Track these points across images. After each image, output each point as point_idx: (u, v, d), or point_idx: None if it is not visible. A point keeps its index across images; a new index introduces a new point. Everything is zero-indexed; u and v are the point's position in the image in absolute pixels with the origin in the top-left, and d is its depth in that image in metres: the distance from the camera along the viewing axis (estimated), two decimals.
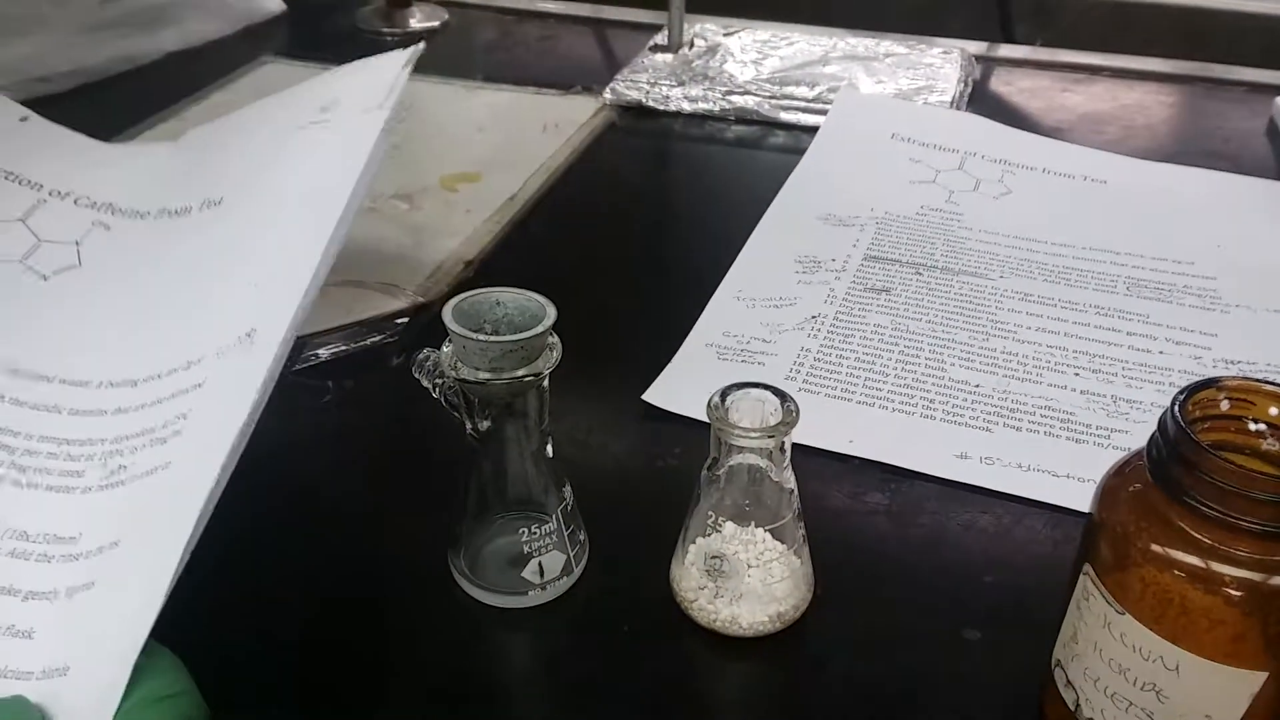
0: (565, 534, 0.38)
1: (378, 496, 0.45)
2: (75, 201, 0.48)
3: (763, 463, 0.36)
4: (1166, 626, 0.28)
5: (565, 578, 0.39)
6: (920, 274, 0.59)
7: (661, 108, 0.78)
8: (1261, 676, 0.28)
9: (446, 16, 0.96)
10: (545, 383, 0.36)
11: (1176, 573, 0.28)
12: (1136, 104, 0.80)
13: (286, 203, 0.43)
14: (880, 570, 0.41)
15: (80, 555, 0.35)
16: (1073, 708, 0.32)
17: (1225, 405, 0.30)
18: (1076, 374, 0.51)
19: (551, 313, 0.35)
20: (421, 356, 0.38)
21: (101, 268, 0.46)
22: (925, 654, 0.38)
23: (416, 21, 0.95)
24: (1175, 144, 0.74)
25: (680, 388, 0.50)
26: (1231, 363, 0.51)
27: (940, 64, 0.82)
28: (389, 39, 0.92)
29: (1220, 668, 0.28)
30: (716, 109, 0.77)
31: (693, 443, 0.45)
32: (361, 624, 0.39)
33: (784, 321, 0.55)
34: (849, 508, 0.44)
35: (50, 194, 0.48)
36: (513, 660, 0.38)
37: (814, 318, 0.55)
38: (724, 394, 0.35)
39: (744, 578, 0.37)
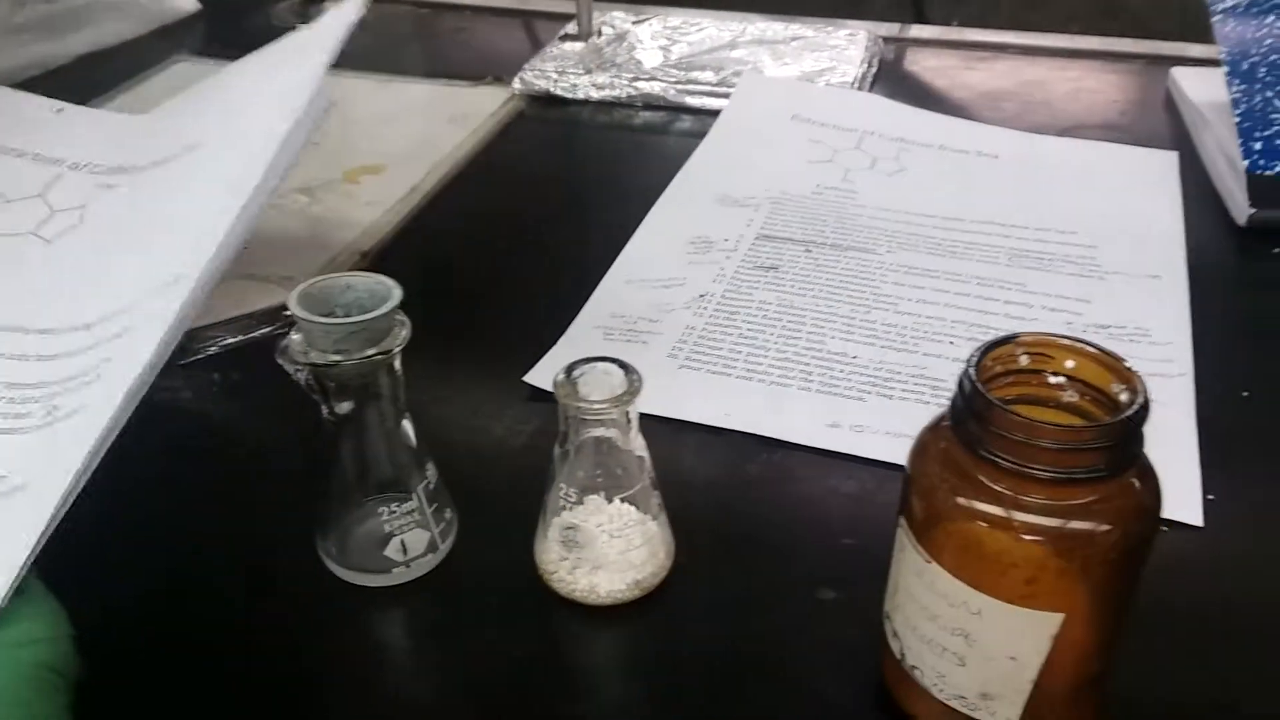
0: (429, 512, 0.39)
1: (259, 483, 0.46)
2: (89, 170, 0.53)
3: (611, 434, 0.37)
4: (969, 573, 0.29)
5: (430, 555, 0.40)
6: (809, 251, 0.60)
7: (569, 96, 0.79)
8: (1058, 618, 0.29)
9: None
10: (397, 363, 0.37)
11: (976, 522, 0.29)
12: (1037, 80, 0.81)
13: (235, 144, 0.47)
14: (743, 537, 0.42)
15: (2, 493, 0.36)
16: (899, 657, 0.33)
17: (1025, 360, 0.31)
18: (951, 343, 0.52)
19: (397, 294, 0.36)
20: (285, 343, 0.39)
21: (96, 224, 0.50)
22: (781, 616, 0.39)
23: None
24: (1072, 118, 0.76)
25: (557, 367, 0.51)
26: (1102, 327, 0.53)
27: (845, 46, 0.83)
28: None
29: (1019, 610, 0.29)
30: (623, 96, 0.78)
31: None
32: (234, 605, 0.40)
33: (672, 301, 0.56)
34: (718, 478, 0.45)
35: (68, 167, 0.53)
36: (379, 638, 0.39)
37: (701, 296, 0.56)
38: (569, 370, 0.36)
39: (599, 547, 0.38)
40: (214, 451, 0.48)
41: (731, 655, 0.38)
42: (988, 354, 0.30)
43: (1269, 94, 0.64)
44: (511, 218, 0.66)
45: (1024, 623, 0.29)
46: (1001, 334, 0.31)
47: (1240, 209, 0.60)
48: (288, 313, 0.53)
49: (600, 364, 0.36)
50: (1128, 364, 0.29)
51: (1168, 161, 0.68)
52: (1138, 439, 0.29)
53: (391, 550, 0.39)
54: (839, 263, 0.59)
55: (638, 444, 0.38)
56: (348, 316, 0.36)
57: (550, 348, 0.52)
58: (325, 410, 0.38)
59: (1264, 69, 0.66)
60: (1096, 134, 0.72)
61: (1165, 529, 0.41)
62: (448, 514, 0.41)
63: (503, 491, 0.44)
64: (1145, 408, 0.28)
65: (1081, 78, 0.82)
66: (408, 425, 0.39)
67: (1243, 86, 0.65)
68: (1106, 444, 0.28)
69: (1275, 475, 0.44)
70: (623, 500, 0.38)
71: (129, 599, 0.40)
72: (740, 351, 0.52)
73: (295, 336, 0.36)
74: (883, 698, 0.35)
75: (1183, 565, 0.40)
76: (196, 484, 0.46)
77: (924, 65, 0.85)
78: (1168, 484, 0.44)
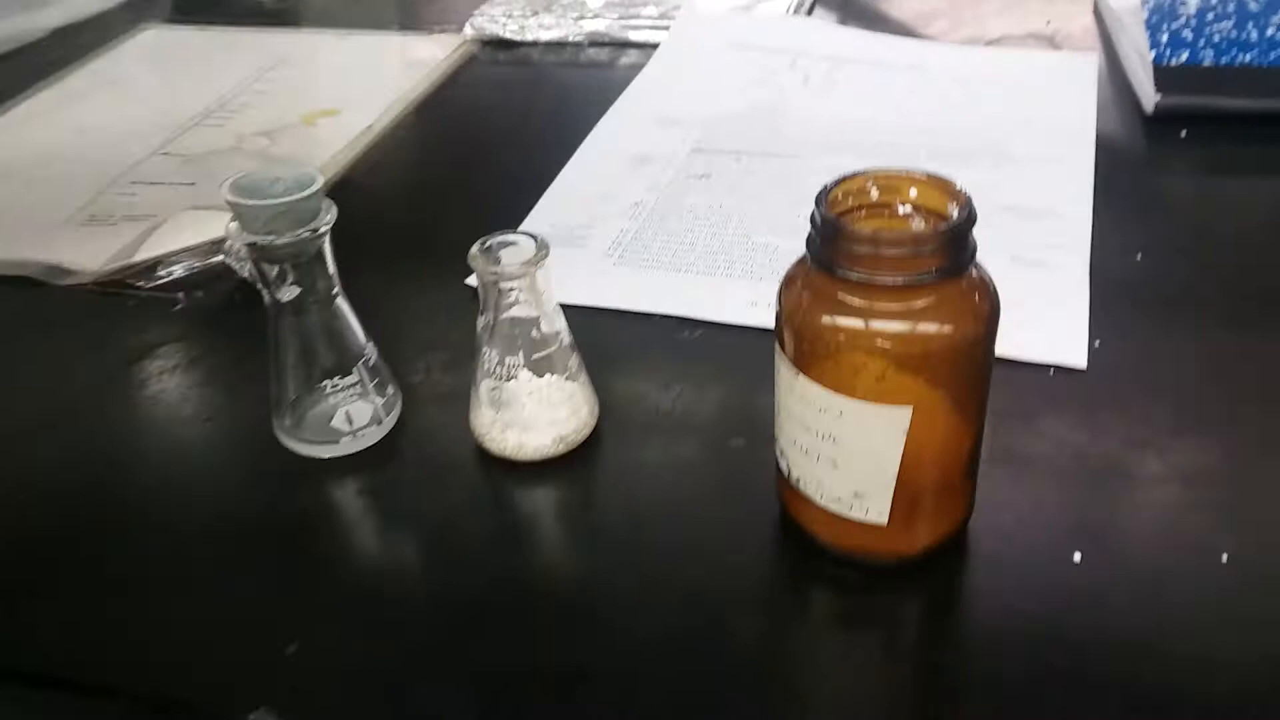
0: (370, 386, 0.43)
1: (225, 378, 0.49)
2: None
3: (526, 300, 0.40)
4: (830, 379, 0.33)
5: (375, 426, 0.43)
6: (740, 160, 0.63)
7: (518, 39, 0.82)
8: (907, 410, 0.32)
9: None
10: (328, 247, 0.40)
11: (834, 332, 0.33)
12: None
13: None
14: (665, 401, 0.46)
15: None
16: (786, 474, 0.37)
17: (875, 193, 0.34)
18: None
19: (320, 180, 0.39)
20: (229, 244, 0.43)
21: None
22: (696, 466, 0.42)
23: None
24: (1000, 31, 0.79)
25: None
26: (1009, 207, 0.56)
27: None
28: (266, 1, 0.96)
29: (874, 406, 0.33)
30: (570, 35, 0.81)
31: None
32: (203, 482, 0.44)
33: (608, 210, 0.59)
34: (647, 355, 0.49)
35: None
36: (331, 502, 0.43)
37: (636, 204, 0.60)
38: (483, 244, 0.40)
39: (522, 406, 0.41)
40: (179, 355, 0.52)
41: (650, 499, 0.41)
42: (836, 187, 0.33)
43: None
44: (462, 149, 0.70)
45: (879, 418, 0.33)
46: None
47: (1149, 98, 0.63)
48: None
49: (510, 236, 0.40)
50: (957, 185, 0.33)
51: (1086, 62, 0.71)
52: (966, 245, 0.32)
53: (338, 421, 0.43)
54: (767, 168, 0.62)
55: (552, 309, 0.41)
56: None
57: None
58: (268, 296, 0.41)
59: None
60: (1023, 44, 0.75)
61: (1051, 372, 0.45)
62: (390, 390, 0.44)
63: (446, 375, 0.48)
64: (970, 217, 0.32)
65: None
66: (345, 307, 0.42)
67: None
68: (938, 248, 0.31)
69: (1157, 324, 0.48)
70: (541, 361, 0.41)
71: (117, 470, 0.44)
72: (671, 248, 0.56)
73: (232, 224, 0.40)
74: (783, 517, 0.39)
75: (1064, 403, 0.43)
76: (168, 380, 0.49)
77: None
78: (1058, 335, 0.48)
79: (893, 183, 0.34)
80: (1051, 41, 0.75)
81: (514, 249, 0.40)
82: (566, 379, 0.42)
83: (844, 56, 0.74)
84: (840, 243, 0.32)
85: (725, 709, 0.33)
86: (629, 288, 0.52)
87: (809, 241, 0.33)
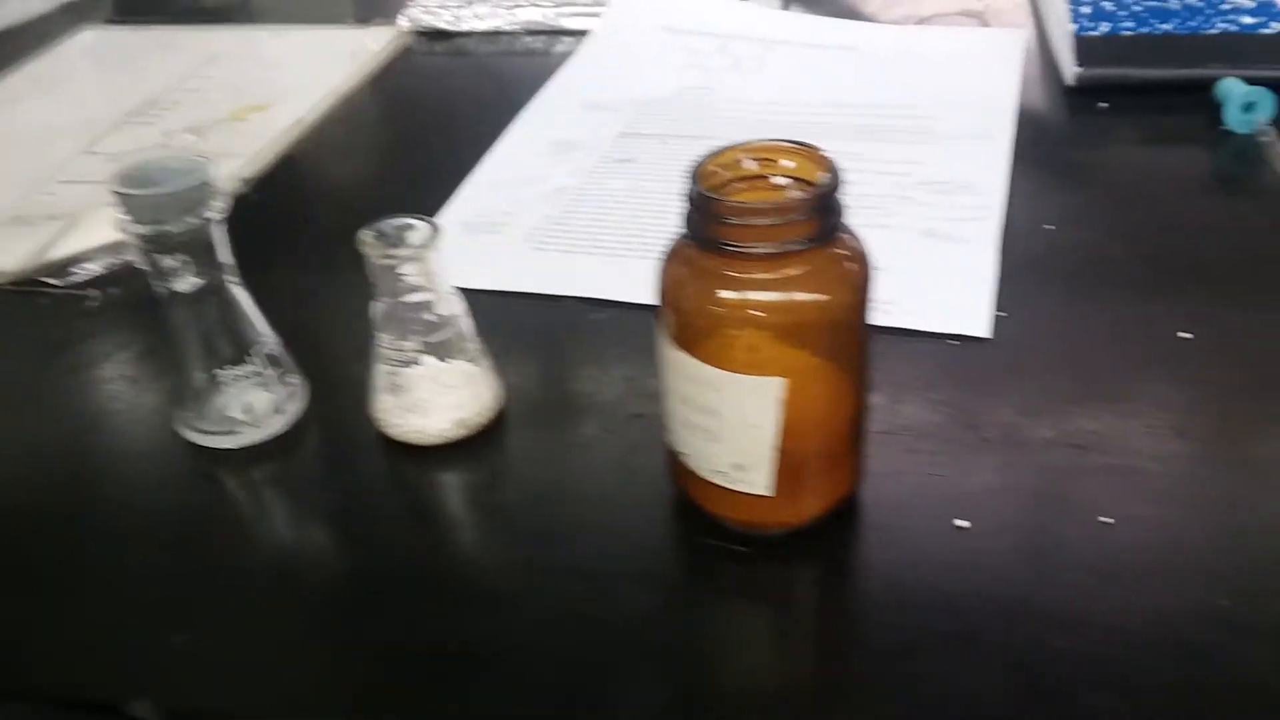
0: (270, 375, 0.43)
1: (135, 373, 0.49)
2: None
3: (420, 283, 0.40)
4: (706, 352, 0.33)
5: (277, 415, 0.43)
6: (665, 144, 0.63)
7: (453, 29, 0.82)
8: (781, 382, 0.33)
9: None
10: (220, 234, 0.40)
11: (707, 304, 0.33)
12: None
13: None
14: (572, 380, 0.46)
15: None
16: (674, 450, 0.37)
17: (752, 165, 0.34)
18: None
19: (210, 168, 0.39)
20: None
21: None
22: (597, 445, 0.42)
23: None
24: (933, 8, 0.79)
25: None
26: (927, 183, 0.56)
27: None
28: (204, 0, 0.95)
29: (747, 378, 0.33)
30: (505, 24, 0.81)
31: None
32: (107, 477, 0.44)
33: (530, 195, 0.59)
34: (554, 337, 0.49)
35: None
36: (233, 491, 0.43)
37: (559, 190, 0.60)
38: (374, 228, 0.40)
39: (421, 390, 0.41)
40: (89, 352, 0.51)
41: (551, 479, 0.41)
42: (706, 162, 0.33)
43: None
44: (391, 140, 0.70)
45: (753, 390, 0.33)
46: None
47: (1070, 70, 0.64)
48: None
49: (403, 220, 0.40)
50: (824, 152, 0.33)
51: (1013, 38, 0.71)
52: (835, 211, 0.32)
53: (236, 411, 0.42)
54: (692, 151, 0.61)
55: (447, 292, 0.41)
56: None
57: None
58: (162, 287, 0.41)
59: None
60: (954, 21, 0.75)
61: (957, 342, 0.45)
62: (293, 379, 0.44)
63: (358, 364, 0.48)
64: (836, 183, 0.32)
65: None
66: (243, 297, 0.42)
67: None
68: (805, 215, 0.31)
69: (1064, 294, 0.48)
70: (437, 345, 0.41)
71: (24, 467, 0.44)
72: (589, 232, 0.56)
73: (120, 214, 0.39)
74: (677, 493, 0.39)
75: (965, 373, 0.43)
76: (78, 377, 0.49)
77: None
78: (963, 306, 0.48)
79: (764, 154, 0.34)
80: (981, 18, 0.75)
81: (407, 232, 0.40)
82: (465, 361, 0.42)
83: (776, 38, 0.74)
84: (709, 215, 0.32)
85: (616, 683, 0.33)
86: (544, 272, 0.52)
87: (683, 214, 0.33)
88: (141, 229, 0.39)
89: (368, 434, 0.43)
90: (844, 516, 0.37)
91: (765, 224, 0.31)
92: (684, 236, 0.33)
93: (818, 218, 0.32)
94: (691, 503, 0.38)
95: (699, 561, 0.38)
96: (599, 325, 0.49)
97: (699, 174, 0.33)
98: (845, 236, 0.33)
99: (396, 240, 0.40)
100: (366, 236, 0.40)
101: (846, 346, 0.34)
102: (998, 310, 0.46)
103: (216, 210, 0.39)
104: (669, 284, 0.34)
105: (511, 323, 0.50)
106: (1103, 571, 0.35)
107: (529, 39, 0.81)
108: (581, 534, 0.39)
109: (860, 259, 0.33)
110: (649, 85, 0.70)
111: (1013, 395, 0.42)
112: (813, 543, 0.37)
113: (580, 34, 0.79)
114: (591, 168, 0.61)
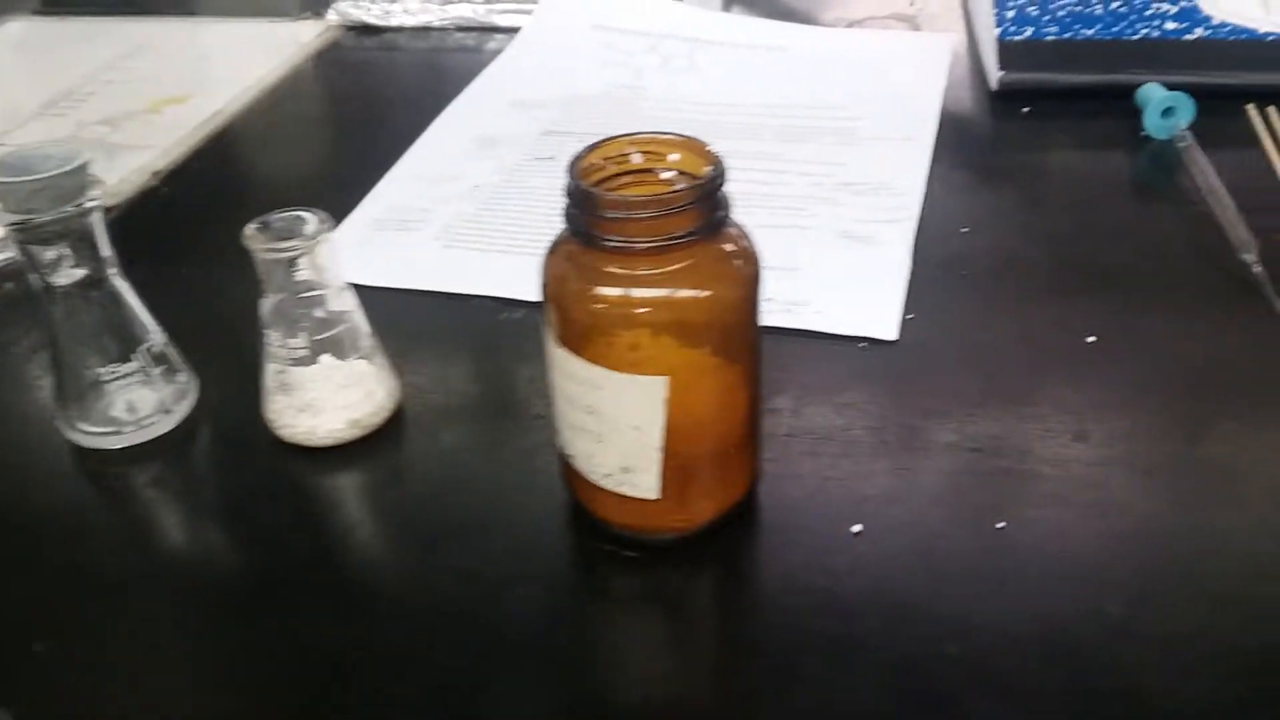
0: (155, 373, 0.41)
1: (21, 372, 0.47)
2: None
3: (308, 278, 0.39)
4: (588, 350, 0.32)
5: (161, 415, 0.42)
6: (588, 142, 0.62)
7: (383, 24, 0.80)
8: (663, 381, 0.32)
9: None
10: (99, 226, 0.39)
11: (588, 301, 0.32)
12: None
13: None
14: (475, 382, 0.45)
15: None
16: (561, 449, 0.36)
17: (638, 158, 0.33)
18: None
19: (85, 155, 0.38)
20: None
21: None
22: (495, 446, 0.41)
23: None
24: (865, 12, 0.78)
25: None
26: (848, 184, 0.56)
27: None
28: None
29: (629, 377, 0.32)
30: (435, 20, 0.80)
31: None
32: None
33: (448, 192, 0.58)
34: (460, 336, 0.48)
35: None
36: (115, 492, 0.41)
37: (477, 187, 0.58)
38: (261, 222, 0.38)
39: (311, 389, 0.40)
40: None
41: (445, 479, 0.40)
42: (587, 155, 0.33)
43: None
44: (311, 134, 0.68)
45: (635, 390, 0.32)
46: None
47: (994, 75, 0.64)
48: None
49: (292, 213, 0.39)
50: (709, 147, 0.32)
51: (940, 43, 0.71)
52: (718, 205, 0.31)
53: (118, 410, 0.41)
54: None
55: (338, 288, 0.40)
56: None
57: None
58: (38, 280, 0.39)
59: None
60: (886, 25, 0.75)
61: (865, 345, 0.45)
62: (181, 378, 0.43)
63: (254, 362, 0.47)
64: (719, 176, 0.31)
65: None
66: (125, 291, 0.41)
67: None
68: (687, 206, 0.30)
69: (974, 296, 0.47)
70: (327, 342, 0.40)
71: None
72: (503, 231, 0.54)
73: None
74: (570, 495, 0.38)
75: (870, 375, 0.43)
76: None
77: None
78: (873, 308, 0.47)
79: (648, 147, 0.33)
80: (913, 22, 0.75)
81: (296, 225, 0.39)
82: (359, 359, 0.41)
83: (708, 38, 0.74)
84: (587, 210, 0.31)
85: (496, 691, 0.32)
86: (455, 270, 0.51)
87: (565, 211, 0.32)
88: (13, 217, 0.37)
89: (261, 434, 0.42)
90: (741, 519, 0.37)
91: (645, 218, 0.30)
92: (566, 232, 0.32)
93: (700, 212, 0.31)
94: (576, 499, 0.37)
95: (590, 566, 0.37)
96: (508, 325, 0.48)
97: (579, 168, 0.32)
98: (732, 231, 0.32)
99: (284, 233, 0.38)
100: (250, 230, 0.38)
101: (735, 345, 0.33)
102: (907, 313, 0.46)
103: (93, 199, 0.38)
104: (551, 281, 0.33)
105: (419, 321, 0.49)
106: (994, 576, 0.34)
107: (460, 35, 0.80)
108: (472, 536, 0.37)
109: (747, 254, 0.32)
110: (577, 83, 0.69)
111: (917, 398, 0.41)
112: (707, 546, 0.36)
113: (512, 31, 0.78)
114: (513, 165, 0.60)
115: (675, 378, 0.32)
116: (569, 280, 0.32)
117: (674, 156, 0.33)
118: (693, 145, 0.32)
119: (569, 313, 0.32)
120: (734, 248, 0.32)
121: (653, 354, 0.32)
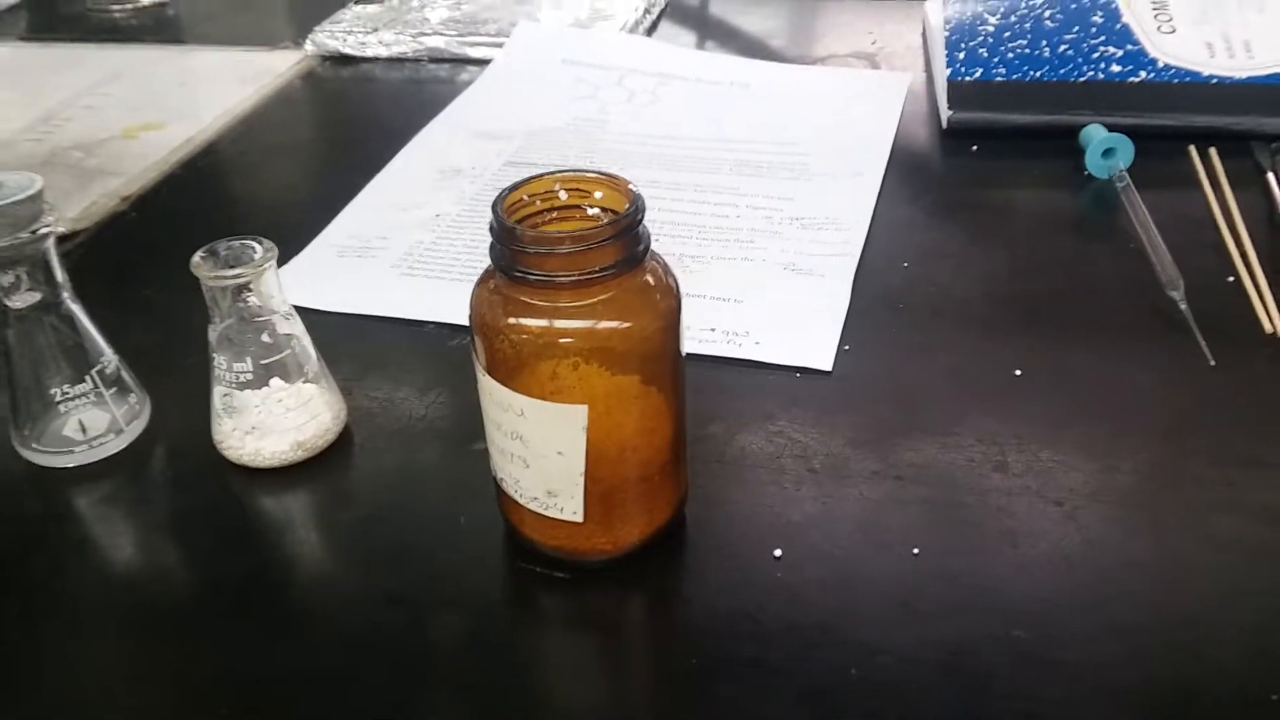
0: (107, 394, 0.42)
1: None
2: None
3: (253, 305, 0.40)
4: (512, 379, 0.33)
5: (113, 435, 0.43)
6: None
7: (358, 54, 0.82)
8: (583, 409, 0.33)
9: None
10: (51, 251, 0.40)
11: (512, 332, 0.33)
12: (805, 19, 0.86)
13: None
14: (421, 408, 0.46)
15: None
16: (493, 475, 0.37)
17: (564, 195, 0.35)
18: (656, 240, 0.56)
19: (39, 183, 0.39)
20: None
21: None
22: (436, 470, 0.43)
23: None
24: (828, 50, 0.81)
25: (291, 282, 0.54)
26: (797, 219, 0.57)
27: None
28: (118, 15, 0.95)
29: (550, 405, 0.33)
30: (409, 51, 0.82)
31: None
32: None
33: (408, 221, 0.60)
34: (408, 361, 0.49)
35: None
36: (65, 512, 0.42)
37: (438, 216, 0.60)
38: (207, 250, 0.40)
39: (255, 412, 0.41)
40: None
41: (385, 503, 0.41)
42: (512, 192, 0.34)
43: (980, 8, 0.69)
44: (282, 162, 0.70)
45: (556, 417, 0.33)
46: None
47: (945, 113, 0.65)
48: None
49: (236, 242, 0.40)
50: (630, 185, 0.34)
51: (898, 81, 0.73)
52: (637, 240, 0.33)
53: (70, 430, 0.42)
54: None
55: (284, 313, 0.41)
56: None
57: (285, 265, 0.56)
58: None
59: None
60: (847, 63, 0.77)
61: (798, 374, 0.46)
62: (133, 399, 0.44)
63: (206, 385, 0.48)
64: (636, 213, 0.32)
65: (844, 15, 0.87)
66: (79, 314, 0.42)
67: (959, 5, 0.70)
68: (606, 242, 0.32)
69: (910, 329, 0.49)
70: (273, 366, 0.41)
71: None
72: (460, 259, 0.56)
73: None
74: (504, 518, 0.39)
75: (802, 405, 0.44)
76: None
77: (708, 9, 0.90)
78: (812, 340, 0.49)
79: (572, 184, 0.34)
80: (872, 61, 0.77)
81: (242, 253, 0.40)
82: (305, 383, 0.42)
83: (672, 74, 0.76)
84: (509, 245, 0.32)
85: (424, 709, 0.33)
86: (410, 297, 0.53)
87: (491, 246, 0.34)
88: None
89: (211, 455, 0.43)
90: (669, 543, 0.38)
91: (564, 253, 0.32)
92: (491, 265, 0.34)
93: (619, 246, 0.32)
94: (516, 529, 0.38)
95: (518, 588, 0.38)
96: (458, 351, 0.49)
97: (505, 204, 0.34)
98: (652, 264, 0.34)
99: (230, 261, 0.40)
100: (197, 258, 0.40)
101: (656, 374, 0.34)
102: (843, 344, 0.47)
103: (46, 225, 0.39)
104: (478, 311, 0.34)
105: (373, 347, 0.50)
106: (905, 602, 0.35)
107: (433, 66, 0.82)
108: (410, 559, 0.39)
109: (665, 288, 0.34)
110: (542, 115, 0.71)
111: (845, 428, 0.43)
112: (633, 569, 0.37)
113: (484, 63, 0.80)
114: (473, 195, 0.62)
115: (597, 406, 0.33)
116: (494, 312, 0.33)
117: (598, 194, 0.34)
118: (615, 183, 0.34)
119: (494, 343, 0.33)
120: (653, 280, 0.34)
121: (573, 383, 0.33)
